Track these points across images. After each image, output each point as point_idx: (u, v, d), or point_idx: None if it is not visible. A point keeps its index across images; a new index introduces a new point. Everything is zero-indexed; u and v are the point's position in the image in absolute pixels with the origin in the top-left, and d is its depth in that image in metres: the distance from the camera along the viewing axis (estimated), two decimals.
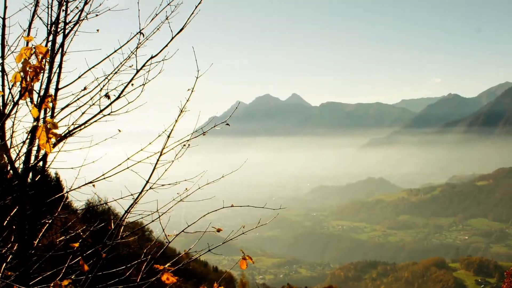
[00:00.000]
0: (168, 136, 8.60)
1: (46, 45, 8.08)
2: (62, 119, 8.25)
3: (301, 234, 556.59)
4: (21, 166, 7.83)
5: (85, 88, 8.50)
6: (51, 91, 8.11)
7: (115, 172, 8.49)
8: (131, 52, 8.64)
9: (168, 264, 7.99)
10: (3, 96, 7.56)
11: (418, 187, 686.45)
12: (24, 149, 7.88)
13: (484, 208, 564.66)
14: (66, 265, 7.92)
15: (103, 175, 8.51)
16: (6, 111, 7.54)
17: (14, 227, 7.88)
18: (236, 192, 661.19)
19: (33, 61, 6.68)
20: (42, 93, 7.80)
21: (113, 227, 8.44)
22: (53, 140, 6.69)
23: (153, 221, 8.91)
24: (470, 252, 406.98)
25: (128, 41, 8.62)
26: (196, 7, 8.43)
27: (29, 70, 6.65)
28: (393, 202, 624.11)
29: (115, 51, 8.59)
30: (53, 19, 8.30)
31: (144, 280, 8.18)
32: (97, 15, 8.75)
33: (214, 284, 8.46)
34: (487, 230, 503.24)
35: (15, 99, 7.37)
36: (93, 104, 8.52)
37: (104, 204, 10.76)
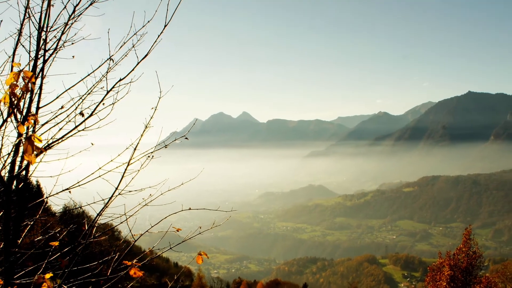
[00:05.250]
0: (135, 149, 8.70)
1: (28, 70, 8.16)
2: (42, 134, 8.31)
3: (250, 234, 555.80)
4: (7, 175, 7.88)
5: (62, 107, 8.54)
6: (33, 109, 8.19)
7: (89, 180, 8.57)
8: (102, 75, 8.75)
9: (135, 260, 8.10)
10: None
11: (352, 193, 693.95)
12: (9, 160, 7.94)
13: (410, 211, 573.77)
14: (46, 261, 7.97)
15: (78, 182, 8.57)
16: None
17: (0, 227, 7.92)
18: (193, 198, 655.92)
19: (20, 84, 6.77)
20: (25, 111, 7.89)
21: (86, 228, 8.51)
22: (35, 152, 6.79)
23: (121, 222, 8.96)
24: (397, 249, 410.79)
25: (99, 66, 8.71)
26: (158, 36, 8.58)
27: (17, 92, 6.74)
28: (330, 206, 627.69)
29: (88, 74, 8.69)
30: (34, 47, 8.39)
31: (114, 274, 8.29)
32: (73, 43, 8.83)
33: (174, 277, 8.61)
34: (412, 231, 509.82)
35: (4, 117, 7.43)
36: (69, 121, 8.58)
37: (79, 208, 10.79)
